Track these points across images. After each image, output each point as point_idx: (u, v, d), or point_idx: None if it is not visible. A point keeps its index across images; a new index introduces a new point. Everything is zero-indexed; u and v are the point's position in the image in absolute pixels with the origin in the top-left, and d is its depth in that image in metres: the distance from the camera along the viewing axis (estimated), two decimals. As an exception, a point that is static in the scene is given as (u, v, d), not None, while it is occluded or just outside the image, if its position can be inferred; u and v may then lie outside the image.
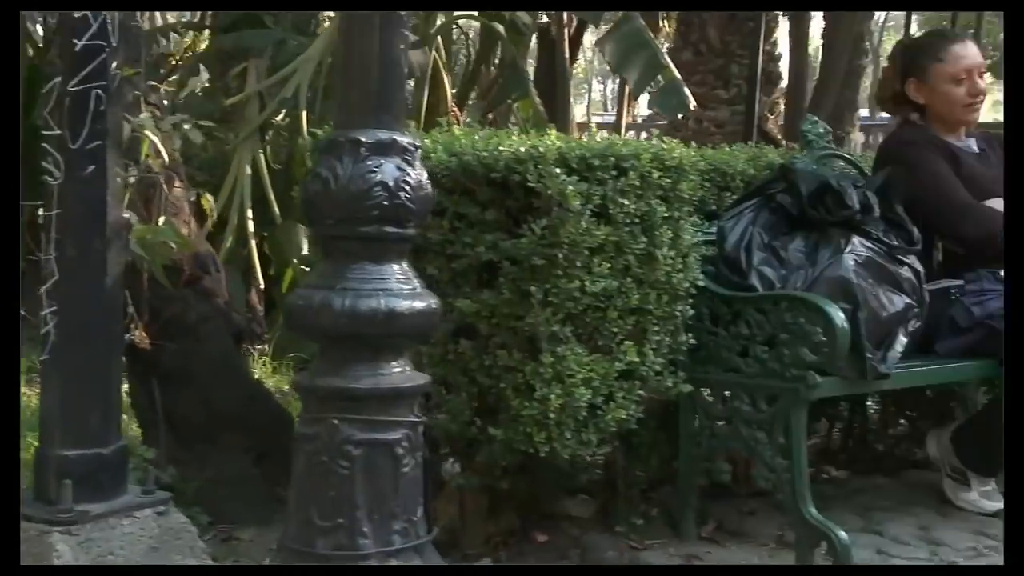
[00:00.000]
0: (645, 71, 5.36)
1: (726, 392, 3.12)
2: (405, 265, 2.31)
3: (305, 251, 5.05)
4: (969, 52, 3.51)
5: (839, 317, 2.91)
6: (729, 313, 3.09)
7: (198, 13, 6.30)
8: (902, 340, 3.13)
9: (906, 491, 3.68)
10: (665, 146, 2.90)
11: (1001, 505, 3.43)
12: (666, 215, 2.89)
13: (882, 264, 3.12)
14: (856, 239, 3.12)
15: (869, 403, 4.24)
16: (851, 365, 3.03)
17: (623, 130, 10.42)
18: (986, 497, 3.45)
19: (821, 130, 3.69)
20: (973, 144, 3.61)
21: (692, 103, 5.69)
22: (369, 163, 2.21)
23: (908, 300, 3.15)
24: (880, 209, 3.20)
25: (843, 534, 2.91)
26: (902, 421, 4.15)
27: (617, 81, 12.53)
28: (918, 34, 5.41)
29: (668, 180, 2.88)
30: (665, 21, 10.18)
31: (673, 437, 3.24)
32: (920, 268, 3.23)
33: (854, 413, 4.12)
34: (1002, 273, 3.41)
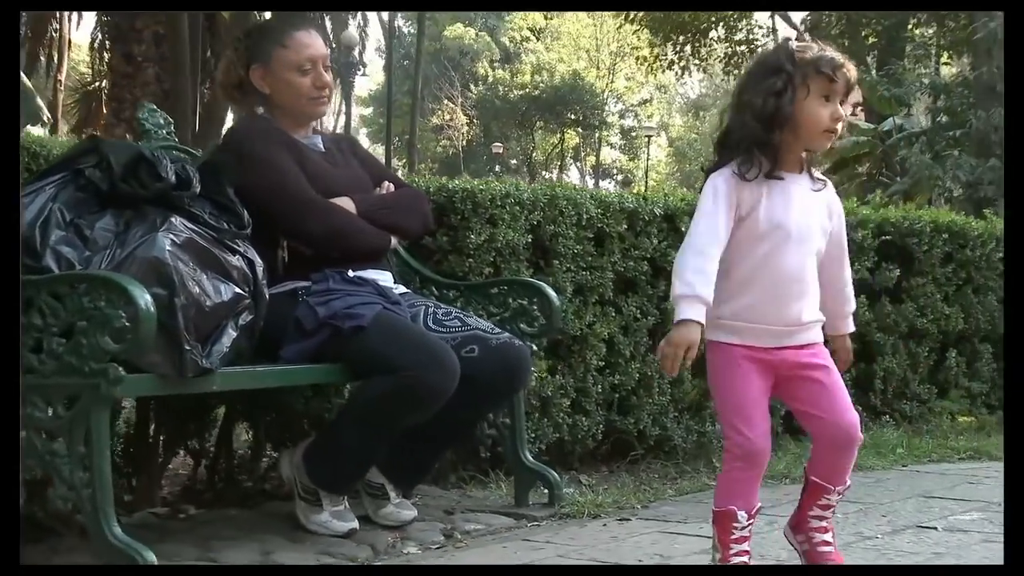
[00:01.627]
0: None
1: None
2: None
3: None
4: (314, 42, 3.31)
5: (144, 299, 2.52)
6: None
7: None
8: (231, 333, 2.81)
9: (260, 520, 3.33)
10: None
11: (354, 525, 3.18)
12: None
13: (206, 248, 2.79)
14: (177, 219, 2.77)
15: (245, 436, 3.92)
16: (168, 360, 2.66)
17: None
18: (338, 518, 3.18)
19: (161, 120, 3.33)
20: (319, 142, 3.40)
21: None
22: None
23: (239, 290, 2.84)
24: (208, 191, 2.88)
25: (151, 555, 2.53)
26: (274, 452, 3.83)
27: None
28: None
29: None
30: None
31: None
32: (256, 259, 2.94)
33: (221, 447, 3.76)
34: (351, 272, 3.21)
